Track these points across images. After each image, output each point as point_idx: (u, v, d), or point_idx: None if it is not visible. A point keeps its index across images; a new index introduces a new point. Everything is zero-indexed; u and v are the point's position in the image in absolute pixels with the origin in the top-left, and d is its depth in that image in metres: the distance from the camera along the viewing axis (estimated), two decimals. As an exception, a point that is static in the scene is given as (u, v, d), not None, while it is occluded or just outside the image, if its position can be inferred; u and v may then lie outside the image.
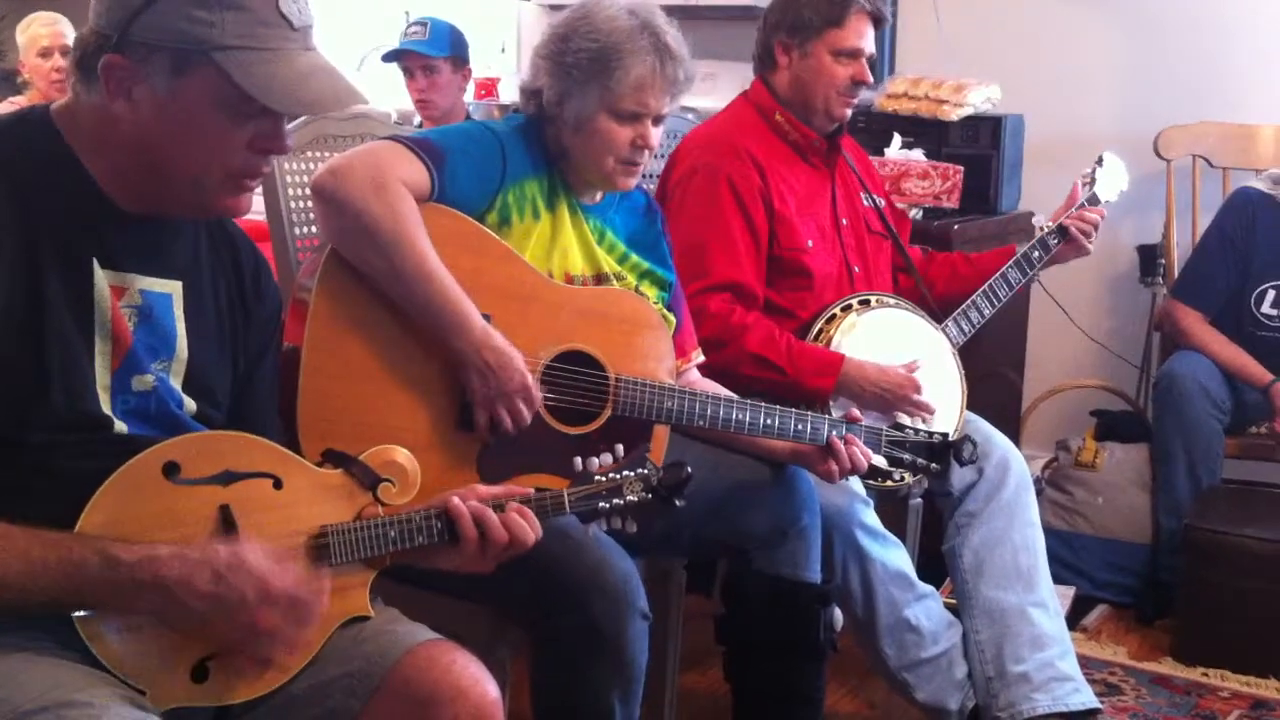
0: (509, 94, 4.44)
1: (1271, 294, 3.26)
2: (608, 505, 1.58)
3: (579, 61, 1.95)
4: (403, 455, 1.55)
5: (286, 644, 1.38)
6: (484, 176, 1.93)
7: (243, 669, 1.40)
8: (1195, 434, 3.14)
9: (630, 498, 1.59)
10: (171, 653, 1.37)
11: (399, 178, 1.80)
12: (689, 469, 1.61)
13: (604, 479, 1.59)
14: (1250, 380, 3.20)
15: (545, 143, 2.03)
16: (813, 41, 2.51)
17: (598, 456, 1.62)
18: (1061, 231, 2.67)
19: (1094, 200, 2.72)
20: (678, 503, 1.60)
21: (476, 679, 1.45)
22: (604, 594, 1.76)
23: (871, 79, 2.57)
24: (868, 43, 2.54)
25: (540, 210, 1.99)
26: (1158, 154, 3.64)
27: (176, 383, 1.47)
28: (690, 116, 2.85)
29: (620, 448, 1.64)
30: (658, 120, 2.01)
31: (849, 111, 2.59)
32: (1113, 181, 2.76)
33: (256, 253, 1.61)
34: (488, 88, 4.46)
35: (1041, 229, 2.71)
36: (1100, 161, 2.76)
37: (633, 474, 1.60)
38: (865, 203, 2.69)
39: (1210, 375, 3.17)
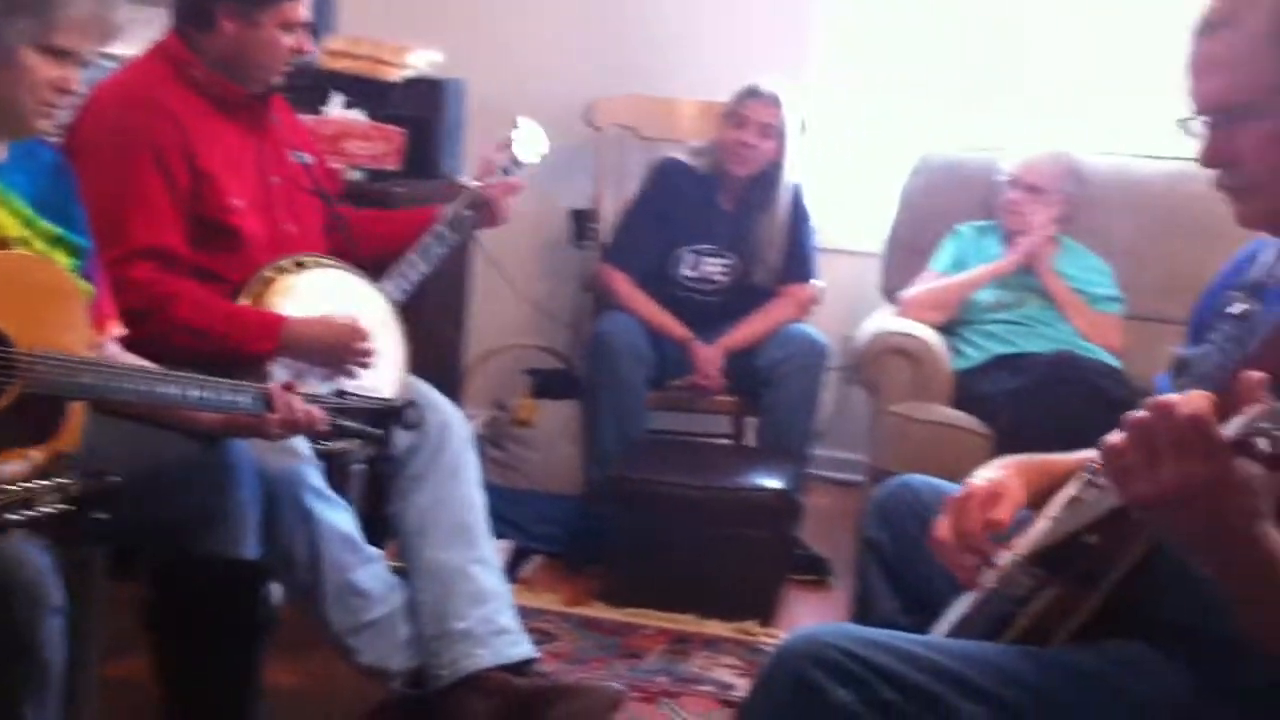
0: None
1: (688, 257, 3.53)
2: (18, 518, 1.42)
3: None
4: None
5: None
6: None
7: None
8: (621, 389, 3.34)
9: (45, 510, 1.44)
10: None
11: None
12: (115, 478, 1.48)
13: (15, 489, 1.43)
14: (672, 337, 3.45)
15: None
16: (265, 13, 2.43)
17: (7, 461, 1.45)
18: (481, 202, 2.73)
19: (517, 163, 2.81)
20: (101, 516, 1.47)
21: None
22: (16, 595, 1.60)
23: (312, 47, 2.55)
24: (307, 11, 2.51)
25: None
26: (590, 123, 3.82)
27: None
28: (108, 64, 2.66)
29: (37, 454, 1.47)
30: (83, 64, 1.86)
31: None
32: (532, 144, 2.86)
33: None
34: None
35: (468, 186, 2.76)
36: (516, 126, 2.86)
37: (49, 483, 1.44)
38: (294, 160, 2.63)
39: (636, 334, 3.39)
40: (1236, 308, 1.51)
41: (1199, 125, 1.42)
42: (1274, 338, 1.39)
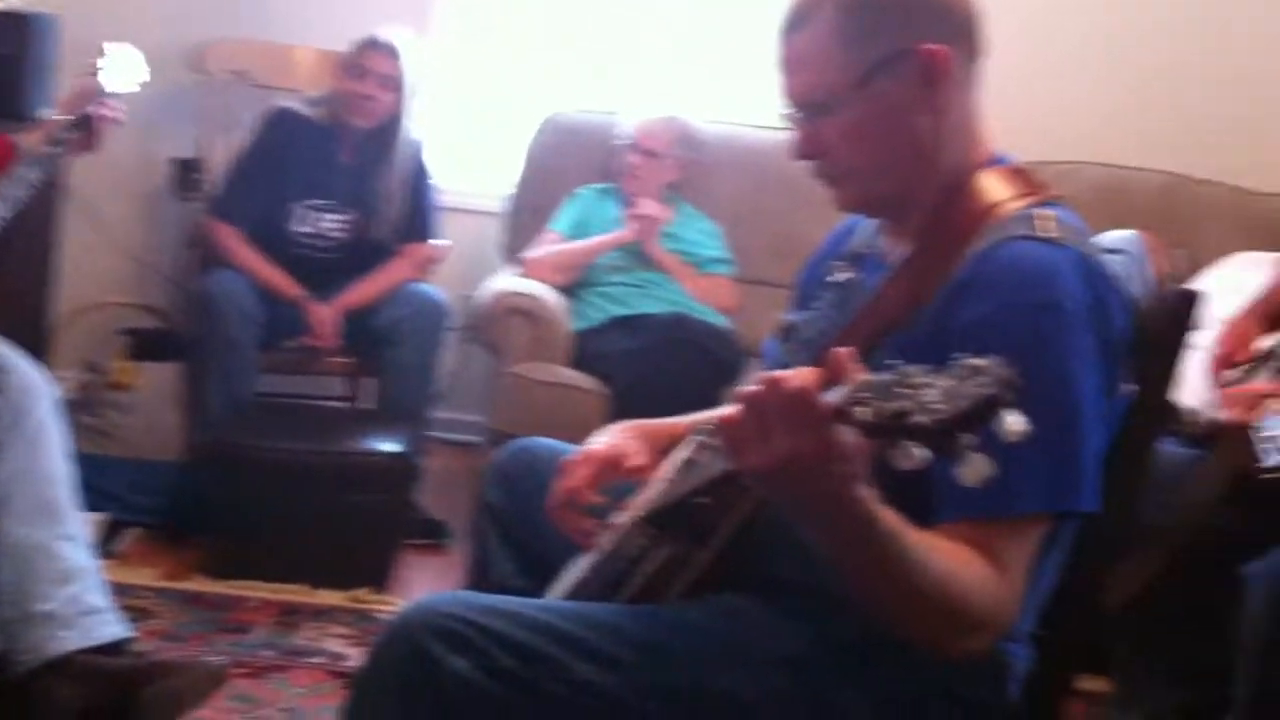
0: None
1: (303, 212, 3.39)
2: None
3: None
4: None
5: None
6: None
7: None
8: (229, 350, 3.16)
9: None
10: None
11: None
12: None
13: None
14: (285, 296, 3.30)
15: None
16: None
17: None
18: (84, 122, 2.51)
19: (106, 94, 2.58)
20: None
21: None
22: None
23: None
24: None
25: None
26: (198, 68, 3.60)
27: None
28: None
29: None
30: None
31: None
32: (129, 72, 2.64)
33: None
34: None
35: (56, 120, 2.53)
36: (103, 53, 2.64)
37: None
38: None
39: (244, 292, 3.21)
40: (839, 276, 1.58)
41: (792, 118, 1.47)
42: (872, 306, 1.46)
